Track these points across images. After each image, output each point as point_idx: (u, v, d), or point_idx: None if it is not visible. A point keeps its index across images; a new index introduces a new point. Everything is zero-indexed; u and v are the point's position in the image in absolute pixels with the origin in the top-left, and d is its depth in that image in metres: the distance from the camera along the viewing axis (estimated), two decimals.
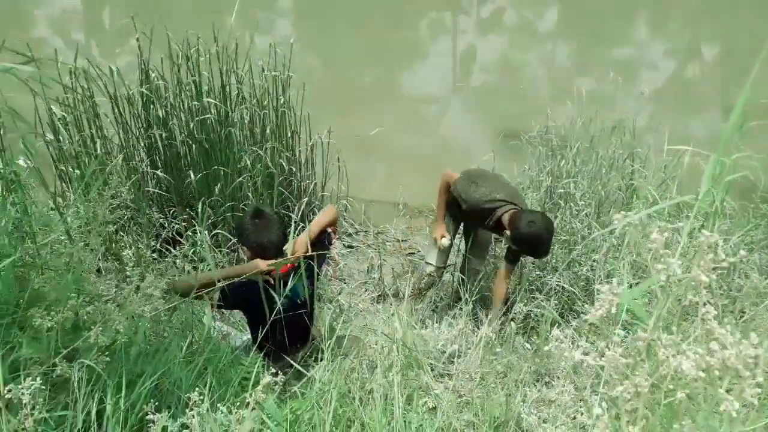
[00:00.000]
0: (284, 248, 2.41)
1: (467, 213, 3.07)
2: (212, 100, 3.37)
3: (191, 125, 3.45)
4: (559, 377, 2.10)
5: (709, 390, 0.79)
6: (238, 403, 1.70)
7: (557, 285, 3.08)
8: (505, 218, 2.86)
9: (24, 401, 1.37)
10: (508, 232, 2.81)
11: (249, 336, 2.66)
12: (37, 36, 7.97)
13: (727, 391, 0.79)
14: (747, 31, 8.43)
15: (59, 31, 8.45)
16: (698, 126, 6.17)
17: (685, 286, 0.86)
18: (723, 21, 8.93)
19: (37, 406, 1.38)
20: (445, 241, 3.19)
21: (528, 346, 2.58)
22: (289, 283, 2.31)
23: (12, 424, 1.37)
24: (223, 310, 2.34)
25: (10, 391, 1.35)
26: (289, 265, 2.40)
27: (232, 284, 2.38)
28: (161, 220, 3.70)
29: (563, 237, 3.30)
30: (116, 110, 3.44)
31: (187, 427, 1.51)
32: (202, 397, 1.53)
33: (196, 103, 3.38)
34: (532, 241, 2.73)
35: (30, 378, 1.38)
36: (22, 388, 1.36)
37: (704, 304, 0.86)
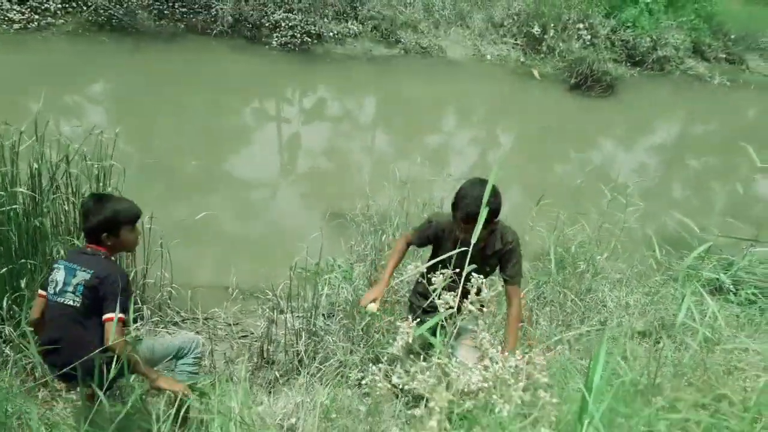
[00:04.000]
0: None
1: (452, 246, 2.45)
2: (21, 190, 3.18)
3: None
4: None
5: (488, 398, 0.96)
6: None
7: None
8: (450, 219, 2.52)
9: None
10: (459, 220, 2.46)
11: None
12: None
13: (501, 397, 0.96)
14: (534, 123, 9.87)
15: None
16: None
17: (469, 318, 1.04)
18: (514, 116, 10.35)
19: None
20: (373, 306, 2.60)
21: (362, 408, 2.67)
22: None
23: None
24: None
25: None
26: None
27: None
28: None
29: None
30: None
31: None
32: None
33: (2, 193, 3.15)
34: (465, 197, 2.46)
35: None
36: None
37: (480, 331, 1.04)
